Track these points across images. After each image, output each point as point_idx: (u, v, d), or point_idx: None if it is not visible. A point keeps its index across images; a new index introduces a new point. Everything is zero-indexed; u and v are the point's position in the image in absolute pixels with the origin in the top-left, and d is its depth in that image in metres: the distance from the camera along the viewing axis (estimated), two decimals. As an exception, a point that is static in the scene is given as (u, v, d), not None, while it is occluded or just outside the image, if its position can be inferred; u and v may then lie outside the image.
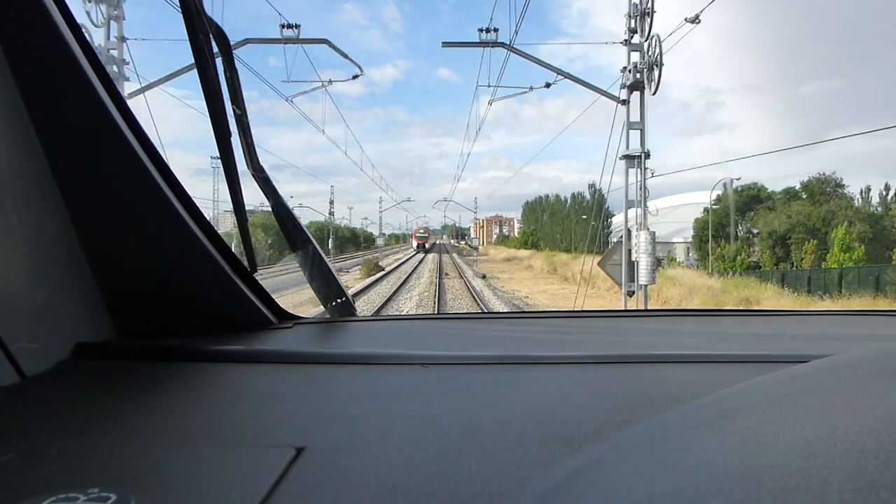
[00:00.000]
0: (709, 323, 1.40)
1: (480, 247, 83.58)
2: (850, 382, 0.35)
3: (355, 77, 13.64)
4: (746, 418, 0.34)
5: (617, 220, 49.36)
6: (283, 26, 11.75)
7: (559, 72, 11.04)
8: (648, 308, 13.13)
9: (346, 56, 12.55)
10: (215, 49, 0.99)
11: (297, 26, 11.98)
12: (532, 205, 70.68)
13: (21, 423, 0.64)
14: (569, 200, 56.28)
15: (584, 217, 47.61)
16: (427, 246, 54.85)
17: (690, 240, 40.45)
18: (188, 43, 0.94)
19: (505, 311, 12.57)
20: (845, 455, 0.24)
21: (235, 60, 1.04)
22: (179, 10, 0.91)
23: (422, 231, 57.48)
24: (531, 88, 12.88)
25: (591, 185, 48.30)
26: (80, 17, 0.83)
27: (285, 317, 1.17)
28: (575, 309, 12.39)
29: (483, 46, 11.36)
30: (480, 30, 11.54)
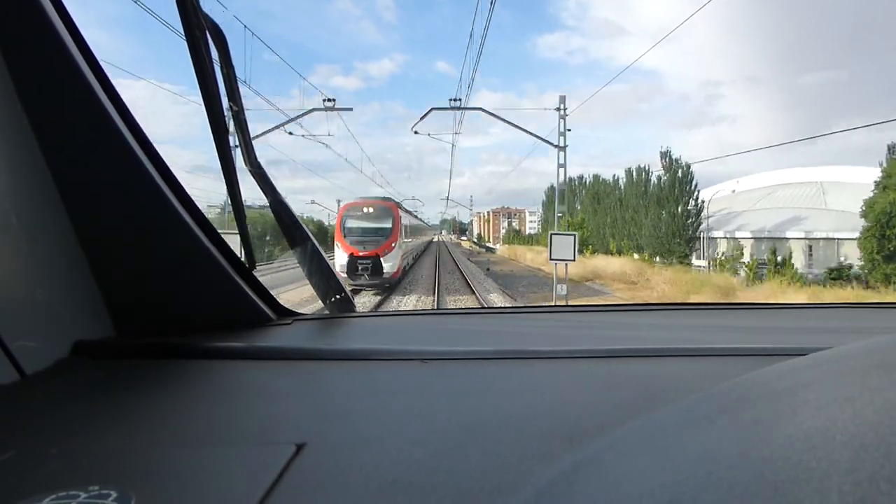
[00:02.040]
0: (708, 316, 1.40)
1: (497, 247, 56.07)
2: (850, 375, 0.35)
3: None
4: (746, 412, 0.34)
5: (714, 195, 35.80)
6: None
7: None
8: (647, 302, 13.12)
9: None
10: (212, 46, 0.98)
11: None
12: (561, 190, 59.39)
13: (21, 422, 0.64)
14: (621, 179, 40.09)
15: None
16: (388, 270, 14.40)
17: (816, 235, 28.12)
18: (185, 40, 0.93)
19: (504, 306, 12.54)
20: (845, 448, 0.24)
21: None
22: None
23: (362, 212, 15.01)
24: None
25: (666, 154, 33.28)
26: (77, 17, 0.83)
27: (284, 313, 1.17)
28: (574, 303, 12.40)
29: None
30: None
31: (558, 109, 17.04)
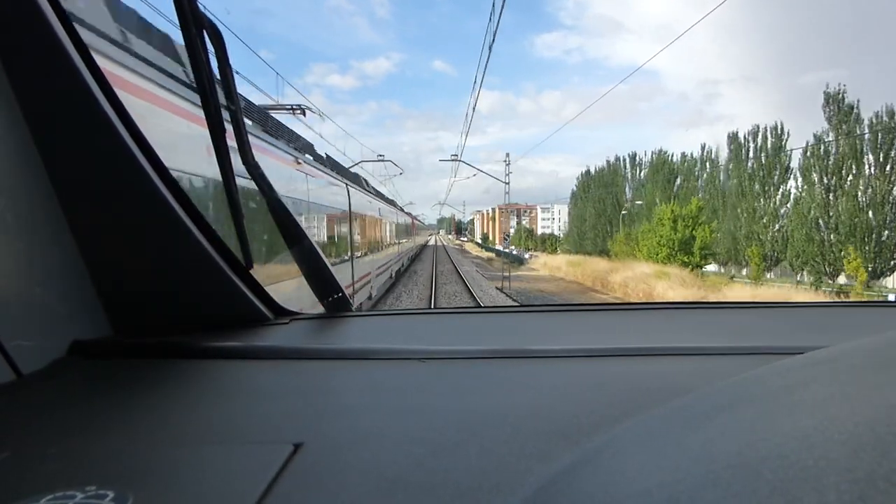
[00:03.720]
0: (705, 315, 1.41)
1: (522, 253, 39.14)
2: (847, 374, 0.35)
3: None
4: (743, 410, 0.34)
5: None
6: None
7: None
8: (644, 301, 13.14)
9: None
10: (209, 45, 0.98)
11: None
12: (599, 177, 40.73)
13: (18, 422, 0.63)
14: (715, 150, 28.72)
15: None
16: None
17: None
18: (182, 39, 0.93)
19: (502, 305, 12.54)
20: (842, 446, 0.24)
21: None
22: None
23: None
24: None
25: (836, 97, 21.11)
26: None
27: (282, 312, 1.17)
28: (571, 302, 12.40)
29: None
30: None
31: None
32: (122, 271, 0.94)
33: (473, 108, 19.33)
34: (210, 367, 0.86)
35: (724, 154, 27.98)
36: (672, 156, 33.85)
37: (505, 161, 25.34)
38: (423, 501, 0.44)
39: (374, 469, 0.49)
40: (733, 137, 26.52)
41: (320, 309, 1.27)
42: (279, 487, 0.46)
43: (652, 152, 35.83)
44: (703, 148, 31.19)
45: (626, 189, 38.27)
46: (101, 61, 0.85)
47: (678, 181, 32.79)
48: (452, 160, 25.91)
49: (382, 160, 25.44)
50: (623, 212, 35.34)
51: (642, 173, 36.97)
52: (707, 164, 30.30)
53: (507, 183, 25.03)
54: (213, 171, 1.04)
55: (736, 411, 0.35)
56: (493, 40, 13.23)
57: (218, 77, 1.03)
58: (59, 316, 0.86)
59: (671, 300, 12.68)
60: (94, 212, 0.89)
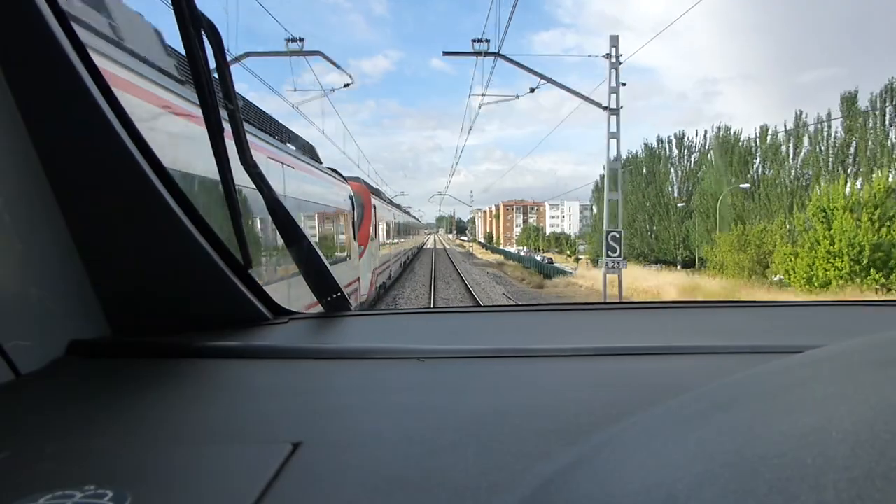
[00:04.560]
0: (703, 314, 1.41)
1: (546, 256, 31.32)
2: (845, 373, 0.36)
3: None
4: (742, 409, 0.34)
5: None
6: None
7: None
8: (643, 300, 13.16)
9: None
10: (207, 44, 0.98)
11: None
12: (635, 164, 30.65)
13: (16, 422, 0.63)
14: (808, 122, 20.60)
15: None
16: None
17: None
18: (179, 37, 0.93)
19: (500, 304, 12.54)
20: (840, 445, 0.24)
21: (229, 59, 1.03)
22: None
23: None
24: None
25: None
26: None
27: (280, 312, 1.16)
28: (570, 302, 12.42)
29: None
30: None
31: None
32: (120, 271, 0.94)
33: (476, 113, 15.70)
34: (208, 366, 0.86)
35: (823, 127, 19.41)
36: (741, 132, 25.58)
37: (609, 57, 12.37)
38: (422, 501, 0.44)
39: (372, 468, 0.49)
40: (850, 100, 18.26)
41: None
42: (277, 487, 0.46)
43: (706, 130, 28.21)
44: (797, 116, 22.21)
45: (672, 177, 30.64)
46: (98, 60, 0.85)
47: (756, 163, 24.50)
48: (479, 54, 12.76)
49: (302, 53, 12.41)
50: (680, 204, 27.59)
51: (692, 158, 29.42)
52: (804, 139, 21.42)
53: (616, 109, 12.48)
54: (212, 170, 1.04)
55: (735, 410, 0.35)
56: (499, 49, 12.06)
57: (216, 76, 1.03)
58: (57, 316, 0.86)
59: (671, 300, 12.68)
60: (92, 211, 0.89)
